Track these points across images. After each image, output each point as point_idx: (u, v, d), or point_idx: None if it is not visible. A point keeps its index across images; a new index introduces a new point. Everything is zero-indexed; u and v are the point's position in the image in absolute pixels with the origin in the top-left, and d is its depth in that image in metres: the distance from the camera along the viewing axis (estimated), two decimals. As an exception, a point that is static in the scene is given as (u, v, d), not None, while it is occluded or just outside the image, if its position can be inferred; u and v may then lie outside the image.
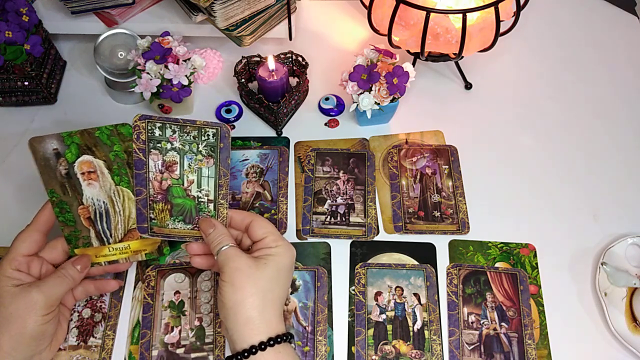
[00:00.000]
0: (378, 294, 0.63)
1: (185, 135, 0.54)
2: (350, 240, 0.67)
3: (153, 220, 0.56)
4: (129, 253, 0.58)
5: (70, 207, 0.55)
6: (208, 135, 0.54)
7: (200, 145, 0.55)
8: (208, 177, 0.55)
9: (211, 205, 0.56)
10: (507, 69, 0.84)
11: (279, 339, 0.49)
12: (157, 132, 0.54)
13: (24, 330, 0.50)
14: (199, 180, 0.55)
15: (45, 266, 0.55)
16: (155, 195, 0.55)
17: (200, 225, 0.56)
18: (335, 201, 0.69)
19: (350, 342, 0.60)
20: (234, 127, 0.76)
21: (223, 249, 0.52)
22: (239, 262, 0.51)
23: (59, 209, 0.55)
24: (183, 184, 0.56)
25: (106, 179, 0.56)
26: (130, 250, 0.58)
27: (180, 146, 0.54)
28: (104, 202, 0.56)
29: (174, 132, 0.54)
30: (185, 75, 0.70)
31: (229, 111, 0.78)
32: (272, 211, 0.69)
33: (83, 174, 0.56)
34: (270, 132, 0.76)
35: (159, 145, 0.54)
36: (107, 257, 0.57)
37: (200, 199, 0.56)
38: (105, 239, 0.57)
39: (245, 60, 0.76)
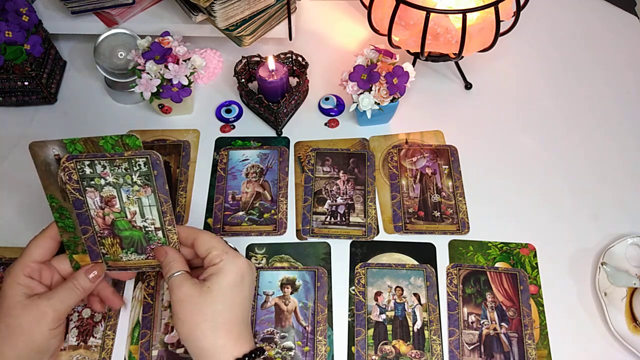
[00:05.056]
0: (378, 294, 0.63)
1: (117, 168, 0.53)
2: (350, 240, 0.67)
3: (106, 255, 0.55)
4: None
5: (70, 213, 0.54)
6: (139, 165, 0.52)
7: (134, 176, 0.53)
8: (150, 205, 0.54)
9: (160, 233, 0.55)
10: (507, 69, 0.84)
11: None
12: (88, 170, 0.52)
13: (32, 343, 0.49)
14: (141, 211, 0.54)
15: (56, 276, 0.54)
16: (101, 231, 0.54)
17: (155, 254, 0.55)
18: (335, 201, 0.69)
19: (350, 342, 0.60)
20: (234, 127, 0.76)
21: (173, 276, 0.51)
22: (182, 293, 0.49)
23: (59, 214, 0.54)
24: (126, 217, 0.54)
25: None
26: None
27: (114, 180, 0.53)
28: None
29: (104, 167, 0.52)
30: (185, 75, 0.70)
31: (229, 111, 0.78)
32: (272, 211, 0.69)
33: None
34: (270, 132, 0.76)
35: (92, 182, 0.53)
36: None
37: (147, 228, 0.55)
38: None
39: (245, 60, 0.76)
